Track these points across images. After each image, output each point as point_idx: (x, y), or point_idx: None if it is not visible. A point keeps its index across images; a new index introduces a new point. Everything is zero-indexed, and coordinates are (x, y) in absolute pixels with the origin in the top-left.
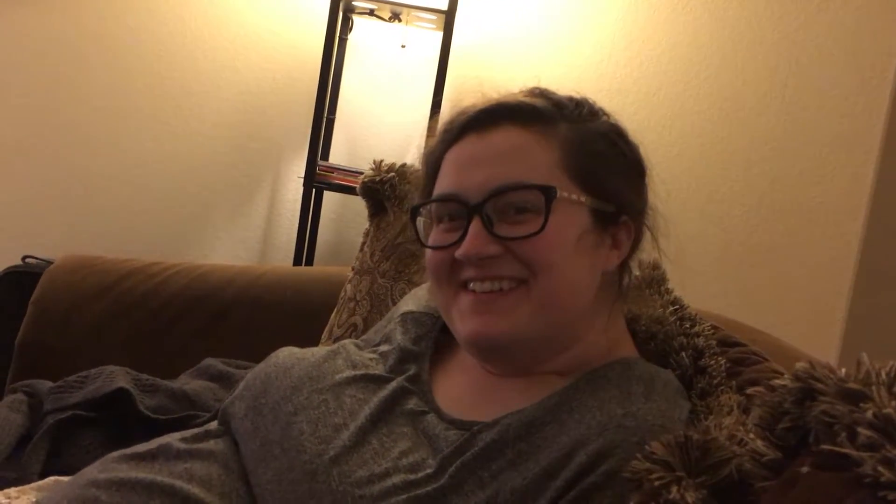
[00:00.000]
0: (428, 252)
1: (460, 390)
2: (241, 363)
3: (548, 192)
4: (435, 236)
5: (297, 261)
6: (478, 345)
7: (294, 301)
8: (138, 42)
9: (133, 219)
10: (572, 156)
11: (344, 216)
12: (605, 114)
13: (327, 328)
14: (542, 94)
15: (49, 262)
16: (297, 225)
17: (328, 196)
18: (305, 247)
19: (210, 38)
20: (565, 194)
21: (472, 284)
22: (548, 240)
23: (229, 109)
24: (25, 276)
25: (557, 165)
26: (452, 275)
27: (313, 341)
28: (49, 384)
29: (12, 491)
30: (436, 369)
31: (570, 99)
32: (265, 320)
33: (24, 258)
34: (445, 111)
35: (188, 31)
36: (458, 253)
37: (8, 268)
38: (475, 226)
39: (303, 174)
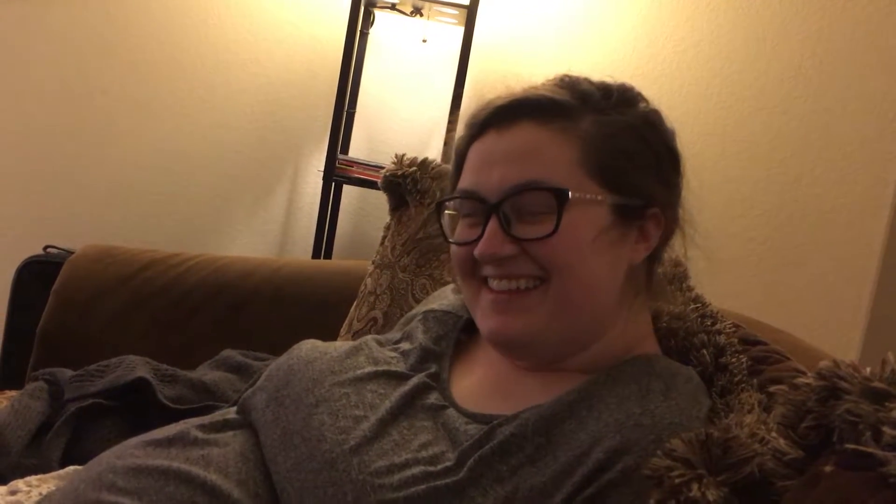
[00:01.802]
0: (452, 246)
1: (480, 386)
2: (259, 355)
3: (559, 194)
4: (459, 231)
5: (315, 254)
6: (496, 343)
7: (313, 294)
8: (162, 34)
9: (154, 210)
10: (593, 152)
11: (363, 210)
12: (641, 100)
13: (347, 321)
14: (570, 83)
15: (70, 252)
16: (316, 218)
17: (347, 189)
18: (324, 240)
19: (232, 31)
20: (578, 195)
21: (491, 282)
22: (561, 241)
23: (250, 102)
24: (47, 265)
25: (575, 163)
26: (475, 270)
27: (332, 334)
28: (70, 372)
29: (33, 479)
30: (456, 367)
31: (602, 87)
32: (284, 312)
33: (45, 248)
34: (472, 103)
35: (211, 24)
36: (476, 252)
37: (30, 257)
38: (492, 225)
39: (323, 168)
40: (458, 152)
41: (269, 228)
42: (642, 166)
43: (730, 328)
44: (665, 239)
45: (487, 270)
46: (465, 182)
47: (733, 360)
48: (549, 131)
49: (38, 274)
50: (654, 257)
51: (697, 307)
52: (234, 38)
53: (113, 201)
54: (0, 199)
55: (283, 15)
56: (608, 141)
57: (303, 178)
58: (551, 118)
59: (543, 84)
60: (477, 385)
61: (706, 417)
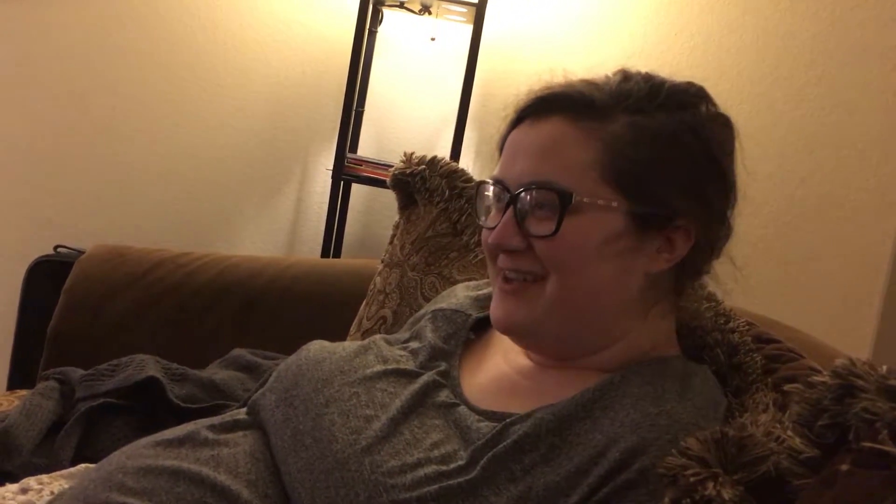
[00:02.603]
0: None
1: (491, 383)
2: (269, 354)
3: (563, 197)
4: (491, 216)
5: (324, 253)
6: (498, 329)
7: (322, 293)
8: (170, 35)
9: (163, 209)
10: (614, 156)
11: (372, 208)
12: (698, 104)
13: (356, 320)
14: (617, 80)
15: (81, 252)
16: (324, 217)
17: (356, 188)
18: (333, 239)
19: (240, 31)
20: (587, 199)
21: (504, 271)
22: (562, 242)
23: (259, 102)
24: (58, 265)
25: (591, 167)
26: (496, 256)
27: (341, 333)
28: (81, 372)
29: (44, 477)
30: (466, 365)
31: (653, 85)
32: (293, 311)
33: (56, 248)
34: (481, 101)
35: (219, 24)
36: (489, 239)
37: (40, 257)
38: (508, 216)
39: (331, 166)
40: (501, 138)
41: (277, 227)
42: (673, 176)
43: (743, 326)
44: (701, 252)
45: (501, 260)
46: (498, 169)
47: (747, 359)
48: (575, 130)
49: (48, 274)
50: (685, 268)
51: (711, 305)
52: (243, 38)
53: (122, 201)
54: (10, 200)
55: (292, 14)
56: (635, 146)
57: (311, 177)
58: (581, 116)
59: (594, 77)
60: (488, 382)
61: (722, 417)
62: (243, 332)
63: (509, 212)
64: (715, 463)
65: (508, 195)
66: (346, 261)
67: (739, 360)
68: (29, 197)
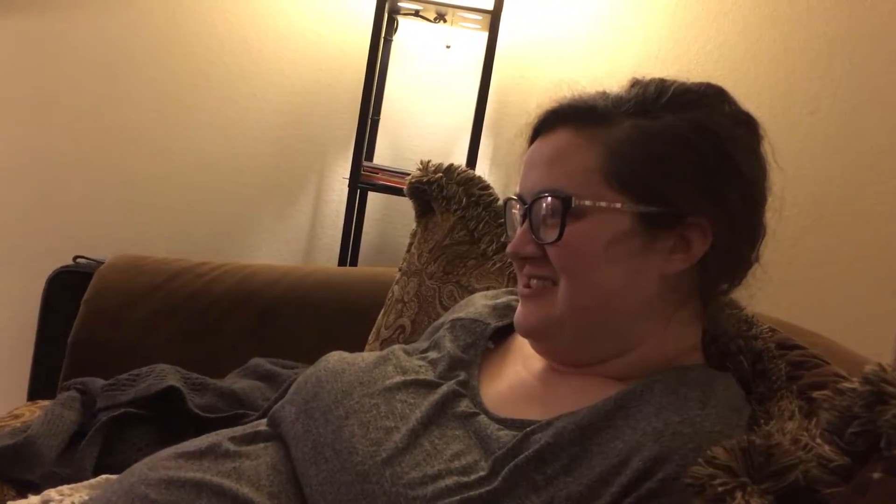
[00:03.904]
0: None
1: (511, 391)
2: (287, 363)
3: (563, 201)
4: (515, 228)
5: (341, 261)
6: (519, 331)
7: (339, 301)
8: (186, 45)
9: (181, 219)
10: (618, 159)
11: (388, 217)
12: (706, 104)
13: (374, 329)
14: (631, 84)
15: (100, 262)
16: (341, 225)
17: (372, 197)
18: (350, 247)
19: (256, 41)
20: (590, 202)
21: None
22: (568, 247)
23: (275, 111)
24: (77, 275)
25: (595, 171)
26: (521, 266)
27: (359, 341)
28: (101, 382)
29: (65, 488)
30: (484, 375)
31: (659, 88)
32: (311, 320)
33: (75, 258)
34: (496, 108)
35: (235, 34)
36: (508, 248)
37: (60, 268)
38: (524, 226)
39: (347, 175)
40: (523, 154)
41: (294, 236)
42: (679, 174)
43: (766, 332)
44: (725, 253)
45: (525, 269)
46: (518, 184)
47: (771, 365)
48: (578, 137)
49: (68, 284)
50: (707, 269)
51: (733, 312)
52: (259, 48)
53: (140, 211)
54: (30, 211)
55: (307, 24)
56: (639, 147)
57: (328, 186)
58: (584, 124)
59: (607, 88)
60: (507, 390)
61: (746, 425)
62: (261, 341)
63: (526, 222)
64: (742, 472)
65: (524, 206)
66: (364, 269)
67: (763, 366)
68: (48, 208)
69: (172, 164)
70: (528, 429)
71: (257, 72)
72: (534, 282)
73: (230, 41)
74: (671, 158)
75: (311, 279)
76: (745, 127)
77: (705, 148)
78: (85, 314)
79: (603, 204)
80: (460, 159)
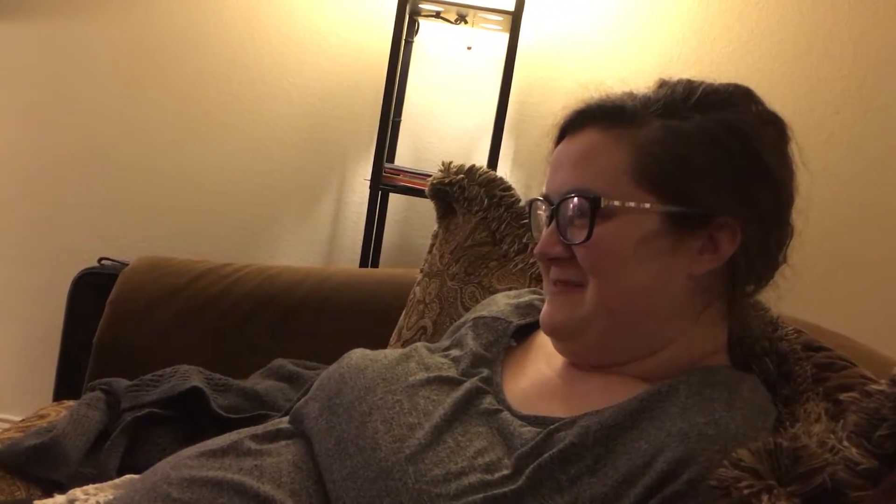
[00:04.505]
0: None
1: (534, 388)
2: (310, 364)
3: (592, 202)
4: (541, 229)
5: (363, 262)
6: (545, 330)
7: (361, 302)
8: (209, 48)
9: (203, 221)
10: (647, 158)
11: (409, 218)
12: (734, 104)
13: (396, 330)
14: (658, 85)
15: (124, 264)
16: (362, 227)
17: (393, 198)
18: (372, 248)
19: (278, 44)
20: (618, 202)
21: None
22: (597, 247)
23: (296, 113)
24: (102, 276)
25: (623, 171)
26: (547, 267)
27: (381, 342)
28: (126, 382)
29: (90, 488)
30: (507, 372)
31: (687, 88)
32: (333, 321)
33: (100, 260)
34: (518, 109)
35: (257, 39)
36: (535, 249)
37: (85, 269)
38: (551, 227)
39: (369, 176)
40: (549, 155)
41: (316, 238)
42: (709, 174)
43: (791, 334)
44: (754, 254)
45: (552, 271)
46: (545, 184)
47: (797, 367)
48: (607, 137)
49: (93, 285)
50: (736, 269)
51: (759, 314)
52: (281, 50)
53: (163, 213)
54: (56, 213)
55: (329, 26)
56: (667, 147)
57: (349, 187)
58: (612, 124)
59: (634, 89)
60: (530, 387)
61: (772, 427)
62: (284, 342)
63: (553, 223)
64: (768, 474)
65: (551, 207)
66: (385, 270)
67: (789, 368)
68: (73, 210)
69: (195, 167)
70: (551, 426)
71: (279, 74)
72: (560, 283)
73: (252, 43)
74: (700, 158)
75: (332, 280)
76: (774, 127)
77: (734, 148)
78: (109, 315)
79: (632, 204)
80: (481, 160)
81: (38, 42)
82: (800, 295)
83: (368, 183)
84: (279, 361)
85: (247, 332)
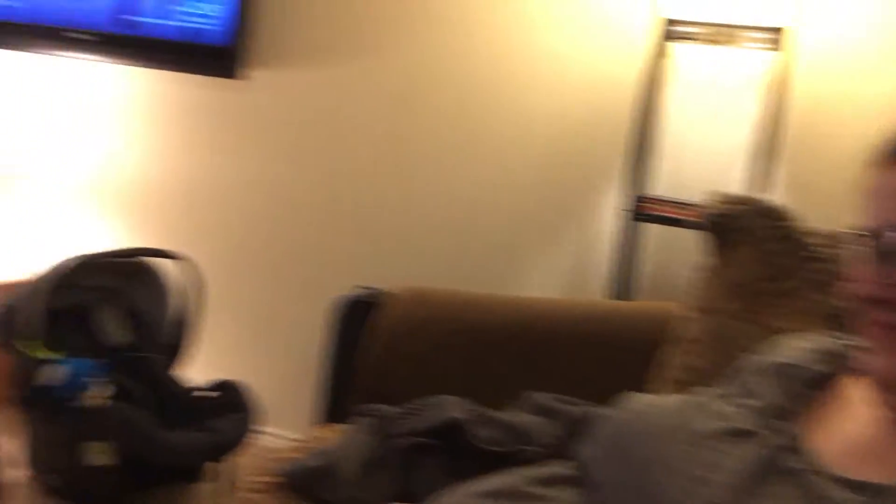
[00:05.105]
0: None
1: (851, 447)
2: (564, 398)
3: None
4: (859, 266)
5: (615, 295)
6: (882, 384)
7: (612, 336)
8: (458, 85)
9: (450, 251)
10: None
11: (661, 249)
12: None
13: (660, 368)
14: None
15: (378, 292)
16: (611, 258)
17: (643, 227)
18: (625, 281)
19: (527, 79)
20: None
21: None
22: None
23: (543, 145)
24: (360, 304)
25: None
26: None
27: (634, 379)
28: (391, 409)
29: None
30: (813, 426)
31: None
32: (583, 355)
33: (355, 287)
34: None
35: (503, 73)
36: (860, 291)
37: (346, 296)
38: (880, 266)
39: (621, 206)
40: (866, 183)
41: (560, 269)
42: None
43: None
44: None
45: (875, 313)
46: (868, 215)
47: None
48: None
49: (352, 312)
50: None
51: None
52: (525, 80)
53: (412, 243)
54: (314, 243)
55: (573, 53)
56: None
57: (596, 217)
58: None
59: None
60: (846, 446)
61: None
62: (533, 374)
63: (884, 260)
64: None
65: (880, 242)
66: (640, 304)
67: None
68: (331, 240)
69: (442, 199)
70: (877, 493)
71: (523, 103)
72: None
73: (498, 76)
74: None
75: (585, 313)
76: None
77: None
78: (371, 342)
79: None
80: (737, 187)
81: (313, 87)
82: None
83: (624, 212)
84: (533, 394)
85: (500, 362)
